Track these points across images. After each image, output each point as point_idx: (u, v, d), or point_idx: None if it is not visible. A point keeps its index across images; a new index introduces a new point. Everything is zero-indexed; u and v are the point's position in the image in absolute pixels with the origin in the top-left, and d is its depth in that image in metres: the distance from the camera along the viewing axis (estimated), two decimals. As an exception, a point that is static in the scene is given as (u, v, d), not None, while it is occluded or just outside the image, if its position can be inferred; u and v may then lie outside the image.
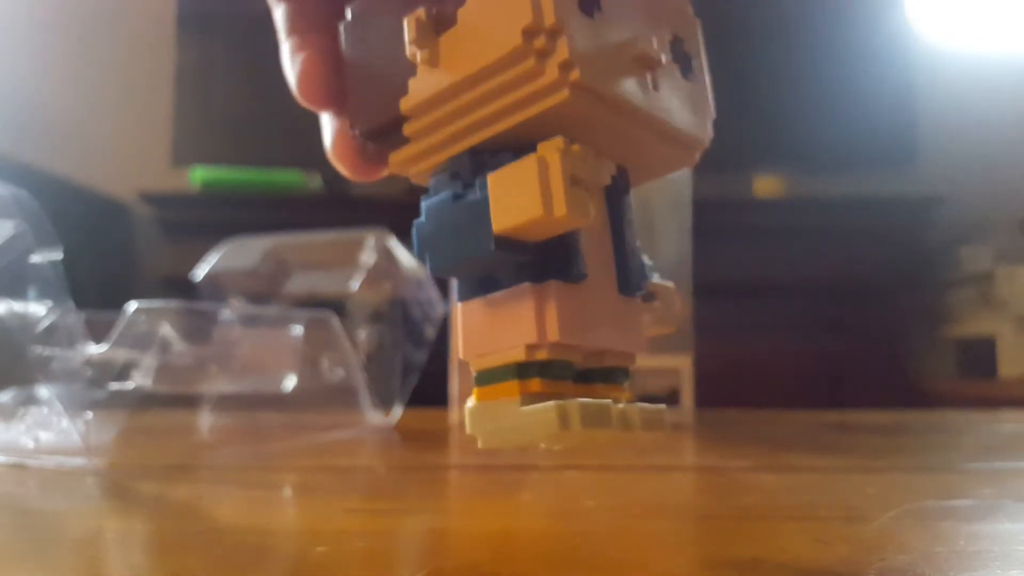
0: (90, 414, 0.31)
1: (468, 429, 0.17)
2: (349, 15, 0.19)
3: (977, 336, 1.55)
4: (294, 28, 0.23)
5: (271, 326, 0.44)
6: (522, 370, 0.16)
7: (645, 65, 0.17)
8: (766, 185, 1.63)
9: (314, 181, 1.61)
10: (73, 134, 1.74)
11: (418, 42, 0.17)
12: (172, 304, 0.39)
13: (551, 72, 0.15)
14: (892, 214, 1.56)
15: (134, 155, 1.72)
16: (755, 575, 0.16)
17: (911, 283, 1.55)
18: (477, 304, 0.17)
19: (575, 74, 0.15)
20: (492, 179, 0.16)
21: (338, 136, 0.21)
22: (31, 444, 0.31)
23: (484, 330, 0.17)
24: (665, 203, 0.46)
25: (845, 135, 1.63)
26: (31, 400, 0.32)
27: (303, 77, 0.21)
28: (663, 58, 0.17)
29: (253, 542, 0.20)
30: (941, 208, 1.56)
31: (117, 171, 1.69)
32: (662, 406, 0.18)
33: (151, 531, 0.21)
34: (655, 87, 0.17)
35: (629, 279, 0.18)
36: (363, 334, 0.49)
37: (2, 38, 1.74)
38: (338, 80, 0.20)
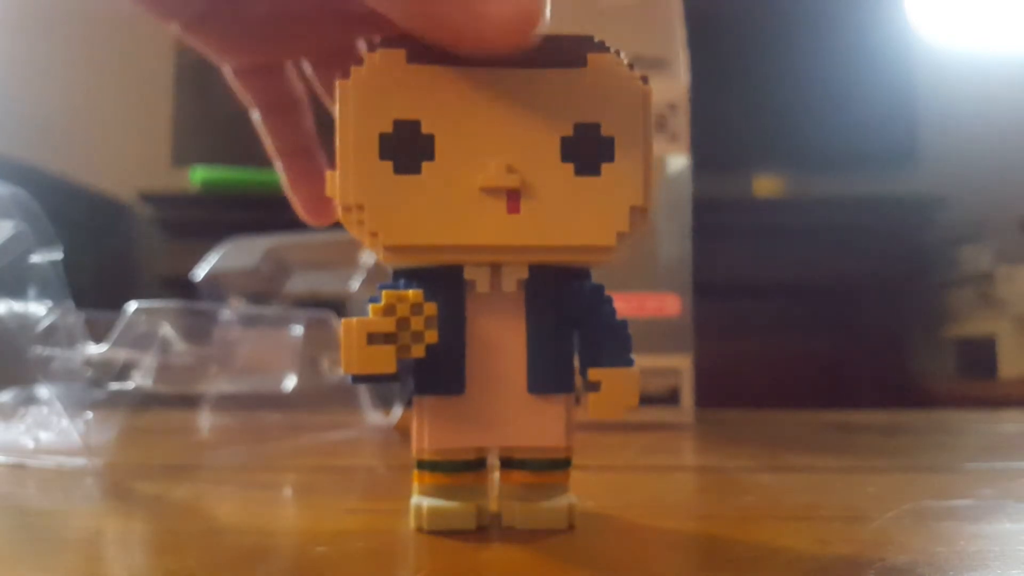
0: (90, 414, 0.31)
1: None
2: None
3: (977, 336, 1.55)
4: (279, 150, 0.27)
5: (271, 326, 0.44)
6: (419, 464, 0.20)
7: (494, 193, 0.18)
8: (766, 185, 1.63)
9: (314, 181, 1.60)
10: (73, 134, 1.74)
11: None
12: (172, 304, 0.39)
13: (369, 240, 0.18)
14: (892, 214, 1.56)
15: (134, 155, 1.72)
16: (755, 575, 0.16)
17: (911, 283, 1.55)
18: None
19: (382, 239, 0.18)
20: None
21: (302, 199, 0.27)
22: (31, 444, 0.31)
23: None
24: (665, 203, 0.46)
25: (845, 135, 1.63)
26: (31, 400, 0.32)
27: (307, 214, 0.27)
28: (515, 180, 0.18)
29: (253, 542, 0.20)
30: (941, 208, 1.56)
31: (117, 171, 1.69)
32: (565, 503, 0.19)
33: (151, 531, 0.21)
34: (515, 210, 0.18)
35: (536, 381, 0.19)
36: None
37: (2, 38, 1.74)
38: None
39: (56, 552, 0.18)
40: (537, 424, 0.19)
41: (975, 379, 1.55)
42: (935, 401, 1.47)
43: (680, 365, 0.45)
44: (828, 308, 1.53)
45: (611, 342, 0.19)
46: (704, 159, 0.54)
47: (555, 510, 0.19)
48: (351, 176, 0.18)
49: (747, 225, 1.53)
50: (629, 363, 0.19)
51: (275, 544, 0.19)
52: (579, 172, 0.18)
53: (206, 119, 1.67)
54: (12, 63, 1.74)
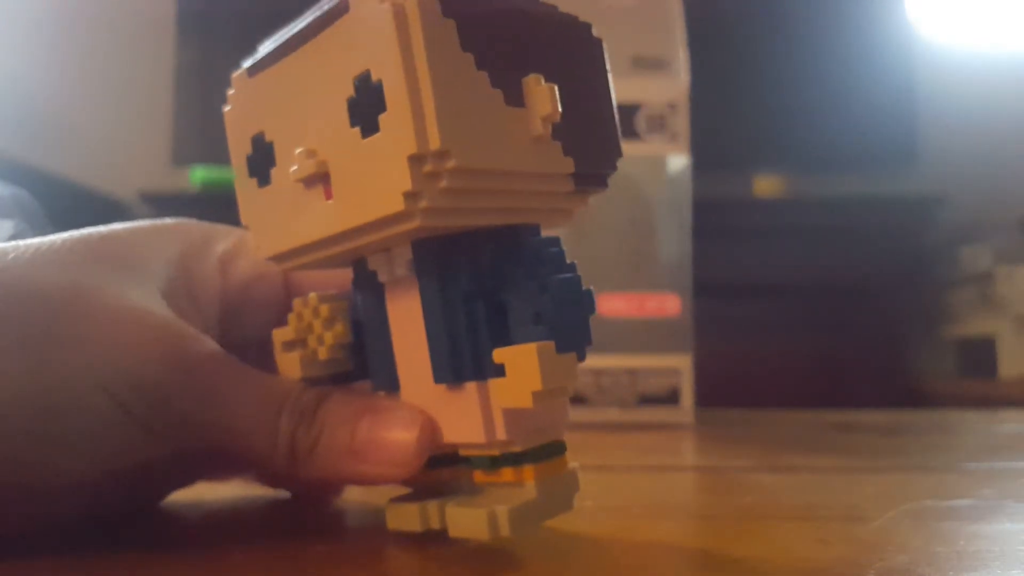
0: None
1: None
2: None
3: (977, 336, 1.55)
4: None
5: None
6: None
7: (311, 184, 0.17)
8: (766, 185, 1.63)
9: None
10: (73, 134, 1.74)
11: None
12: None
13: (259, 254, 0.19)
14: (892, 214, 1.56)
15: (134, 155, 1.72)
16: (755, 575, 0.16)
17: (911, 283, 1.55)
18: None
19: (261, 252, 0.19)
20: None
21: None
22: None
23: None
24: (665, 203, 0.46)
25: (845, 135, 1.62)
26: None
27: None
28: (311, 165, 0.17)
29: (253, 542, 0.20)
30: (941, 208, 1.56)
31: (117, 171, 1.68)
32: (483, 513, 0.16)
33: (151, 531, 0.21)
34: (330, 195, 0.17)
35: (438, 369, 0.17)
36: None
37: (2, 38, 1.74)
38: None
39: (55, 551, 0.18)
40: (454, 418, 0.17)
41: (975, 379, 1.55)
42: (935, 401, 1.47)
43: (680, 365, 0.45)
44: (828, 308, 1.53)
45: (514, 314, 0.16)
46: (704, 159, 0.54)
47: (472, 517, 0.16)
48: (238, 200, 0.19)
49: (747, 225, 1.53)
50: (537, 337, 0.16)
51: (276, 543, 0.19)
52: (365, 135, 0.16)
53: (206, 119, 1.66)
54: (13, 62, 1.74)
